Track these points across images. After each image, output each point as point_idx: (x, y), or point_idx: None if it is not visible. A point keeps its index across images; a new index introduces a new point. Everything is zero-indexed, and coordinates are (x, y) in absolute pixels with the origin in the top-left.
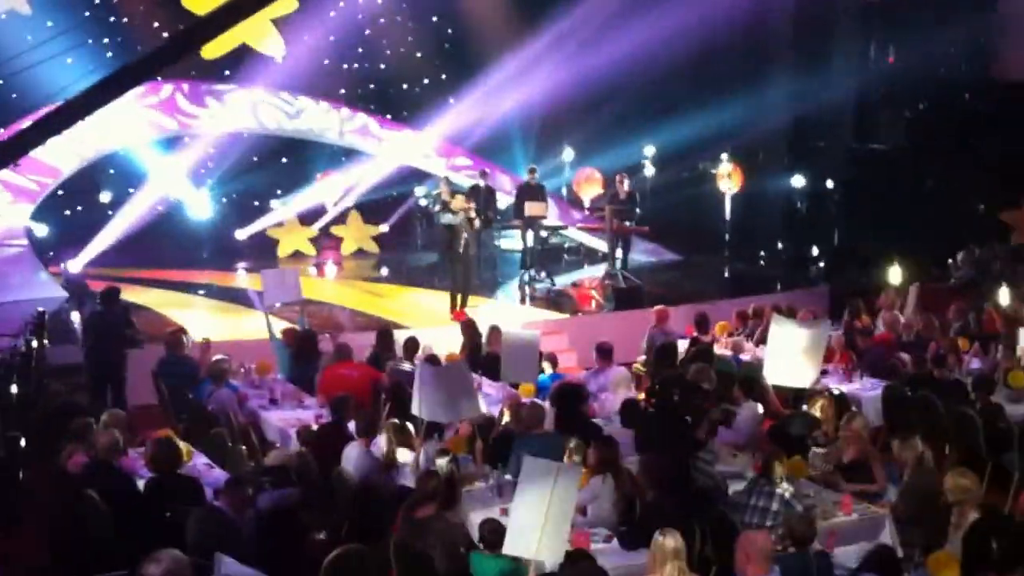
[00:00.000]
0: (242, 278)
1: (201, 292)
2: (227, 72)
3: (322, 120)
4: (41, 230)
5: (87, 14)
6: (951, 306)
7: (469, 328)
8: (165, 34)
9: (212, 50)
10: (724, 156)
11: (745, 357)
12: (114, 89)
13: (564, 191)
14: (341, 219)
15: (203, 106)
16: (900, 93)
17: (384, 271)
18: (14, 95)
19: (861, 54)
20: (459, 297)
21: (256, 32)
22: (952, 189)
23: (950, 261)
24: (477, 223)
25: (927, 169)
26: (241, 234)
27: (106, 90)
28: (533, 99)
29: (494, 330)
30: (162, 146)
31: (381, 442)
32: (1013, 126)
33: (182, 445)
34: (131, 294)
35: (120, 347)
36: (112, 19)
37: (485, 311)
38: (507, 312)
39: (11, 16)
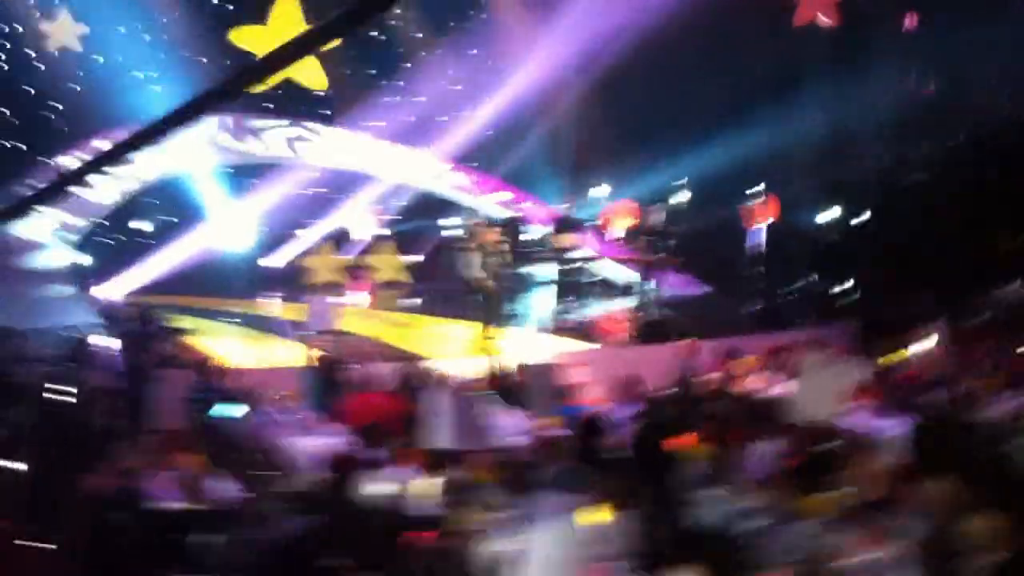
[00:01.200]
0: (274, 306)
1: (234, 320)
2: (270, 105)
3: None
4: (83, 258)
5: (147, 39)
6: (982, 343)
7: (494, 360)
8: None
9: (260, 86)
10: (759, 188)
11: (773, 393)
12: (178, 122)
13: (597, 222)
14: (374, 249)
15: (244, 139)
16: (938, 125)
17: (415, 301)
18: (66, 128)
19: (900, 83)
20: (487, 327)
21: (300, 66)
22: (988, 225)
23: (982, 298)
24: (507, 258)
25: (963, 203)
26: (273, 261)
27: (172, 122)
28: (568, 130)
29: (520, 360)
30: (207, 177)
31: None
32: None
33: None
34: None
35: (149, 369)
36: (162, 55)
37: (515, 341)
38: (537, 342)
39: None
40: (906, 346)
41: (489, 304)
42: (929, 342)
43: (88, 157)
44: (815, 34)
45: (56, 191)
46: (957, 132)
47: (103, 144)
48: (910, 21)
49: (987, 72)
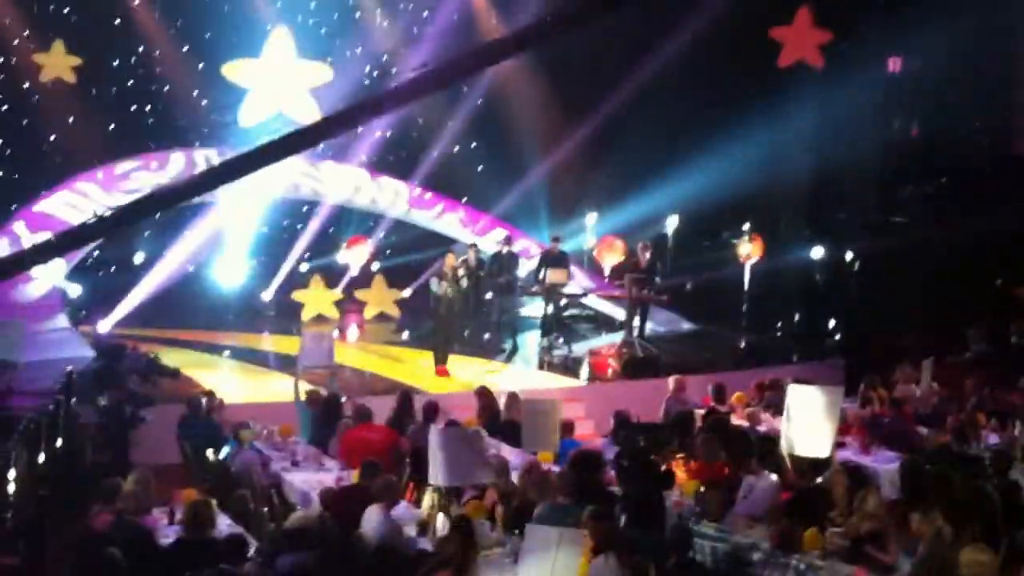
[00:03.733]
0: (265, 340)
1: (226, 353)
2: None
3: (351, 185)
4: (74, 290)
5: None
6: (967, 380)
7: (485, 396)
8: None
9: (247, 119)
10: (746, 226)
11: (762, 428)
12: (219, 179)
13: (585, 258)
14: (365, 283)
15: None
16: (922, 166)
17: (405, 335)
18: (58, 159)
19: (884, 126)
20: (439, 355)
21: (292, 101)
22: (971, 263)
23: (968, 334)
24: (464, 283)
25: (946, 243)
26: (266, 295)
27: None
28: (556, 163)
29: (513, 396)
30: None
31: (423, 504)
32: None
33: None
34: (158, 347)
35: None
36: (153, 87)
37: (504, 377)
38: (525, 378)
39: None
40: (893, 383)
41: (440, 331)
42: (916, 379)
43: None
44: (801, 74)
45: (56, 249)
46: (940, 173)
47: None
48: (894, 64)
49: (968, 112)
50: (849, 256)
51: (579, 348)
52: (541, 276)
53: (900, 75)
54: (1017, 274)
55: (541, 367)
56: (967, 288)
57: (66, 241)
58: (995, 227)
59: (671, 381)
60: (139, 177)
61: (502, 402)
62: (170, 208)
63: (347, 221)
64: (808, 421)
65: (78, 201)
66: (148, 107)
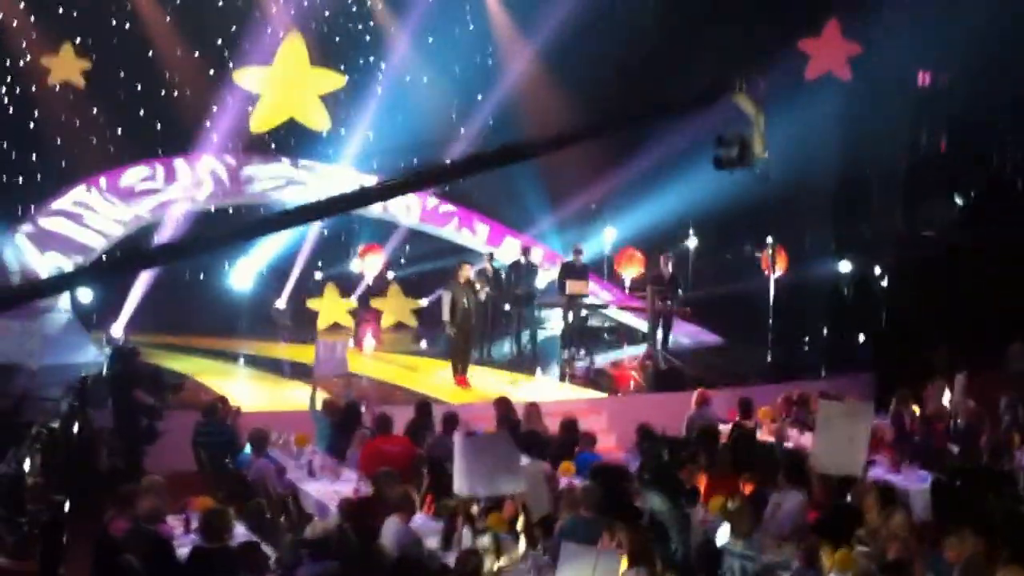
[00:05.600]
0: (281, 348)
1: (240, 360)
2: (272, 145)
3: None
4: (85, 295)
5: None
6: (1001, 397)
7: (503, 406)
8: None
9: (259, 125)
10: (769, 239)
11: (789, 444)
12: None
13: (605, 269)
14: (381, 291)
15: (242, 179)
16: (951, 179)
17: (423, 345)
18: (64, 164)
19: (912, 140)
20: (458, 365)
21: (303, 108)
22: (1003, 279)
23: (1009, 349)
24: (483, 295)
25: (977, 257)
26: (279, 303)
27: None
28: (576, 176)
29: (532, 407)
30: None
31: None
32: None
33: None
34: (170, 360)
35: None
36: (163, 92)
37: (525, 388)
38: (546, 389)
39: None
40: (925, 398)
41: (459, 340)
42: (947, 394)
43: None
44: (829, 86)
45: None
46: (969, 186)
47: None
48: (923, 78)
49: (998, 125)
50: (877, 270)
51: (601, 360)
52: (561, 287)
53: (929, 88)
54: None
55: (562, 379)
56: (1001, 302)
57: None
58: None
59: (695, 395)
60: (145, 184)
61: (521, 412)
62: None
63: (360, 229)
64: (838, 438)
65: (87, 199)
66: (157, 113)
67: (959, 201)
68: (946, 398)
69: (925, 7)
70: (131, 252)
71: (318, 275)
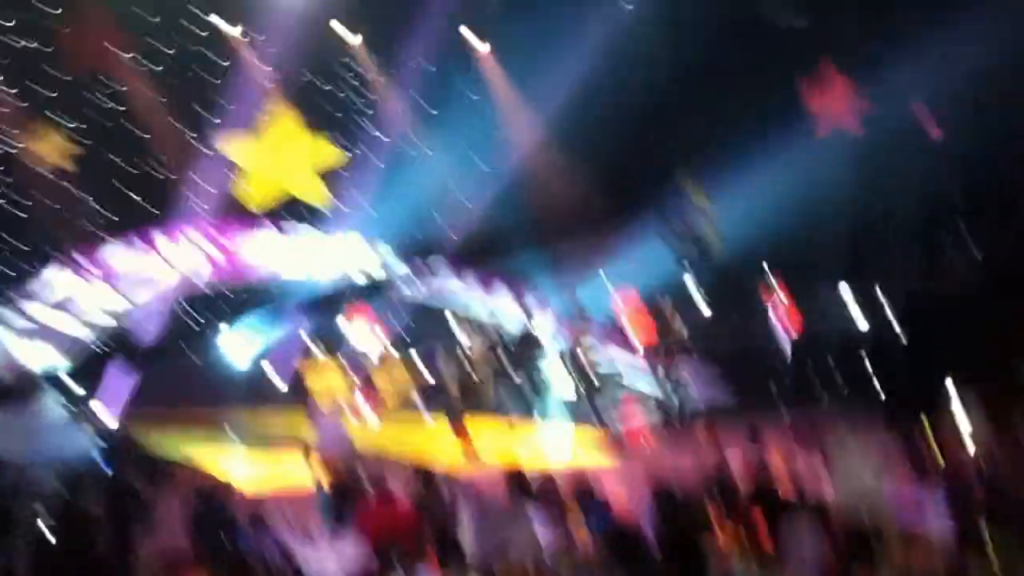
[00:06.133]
0: (276, 416)
1: (233, 432)
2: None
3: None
4: (76, 386)
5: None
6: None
7: (515, 475)
8: None
9: (253, 201)
10: (779, 291)
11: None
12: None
13: (610, 323)
14: (379, 361)
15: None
16: (969, 231)
17: (426, 412)
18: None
19: (926, 190)
20: (456, 416)
21: (302, 184)
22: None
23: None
24: (488, 366)
25: (1000, 311)
26: (277, 375)
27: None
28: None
29: (548, 479)
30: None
31: None
32: None
33: None
34: (161, 435)
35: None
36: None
37: (535, 445)
38: (558, 446)
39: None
40: (938, 423)
41: (465, 403)
42: (963, 418)
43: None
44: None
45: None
46: (988, 237)
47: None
48: (932, 126)
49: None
50: (894, 326)
51: (609, 412)
52: (562, 339)
53: (940, 137)
54: None
55: (570, 432)
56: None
57: None
58: None
59: (701, 425)
60: (126, 259)
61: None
62: None
63: (347, 289)
64: (853, 470)
65: (72, 284)
66: (143, 189)
67: (979, 253)
68: (963, 421)
69: (929, 54)
70: (122, 349)
71: (312, 342)
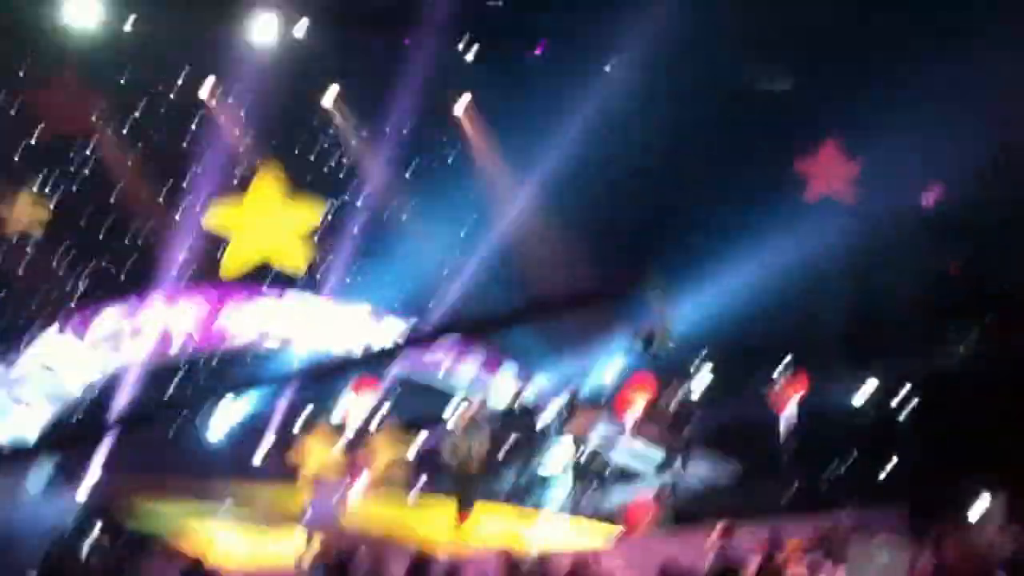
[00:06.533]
0: (267, 492)
1: (222, 506)
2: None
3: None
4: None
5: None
6: None
7: (507, 561)
8: None
9: (231, 269)
10: (783, 367)
11: None
12: None
13: (608, 402)
14: (370, 434)
15: (218, 323)
16: (971, 299)
17: (417, 490)
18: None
19: (925, 259)
20: (461, 504)
21: (284, 250)
22: None
23: None
24: (479, 443)
25: (1004, 380)
26: (264, 448)
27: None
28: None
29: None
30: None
31: None
32: None
33: None
34: (144, 509)
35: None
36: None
37: (535, 530)
38: (558, 529)
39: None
40: (962, 528)
41: (465, 485)
42: (986, 522)
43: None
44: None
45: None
46: (991, 305)
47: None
48: (927, 199)
49: (1011, 244)
50: (898, 398)
51: (612, 496)
52: (563, 425)
53: (936, 208)
54: None
55: (574, 520)
56: None
57: None
58: None
59: (718, 529)
60: (107, 327)
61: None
62: None
63: (347, 361)
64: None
65: (51, 353)
66: (122, 256)
67: (981, 322)
68: (987, 525)
69: (925, 123)
70: (105, 417)
71: (302, 418)
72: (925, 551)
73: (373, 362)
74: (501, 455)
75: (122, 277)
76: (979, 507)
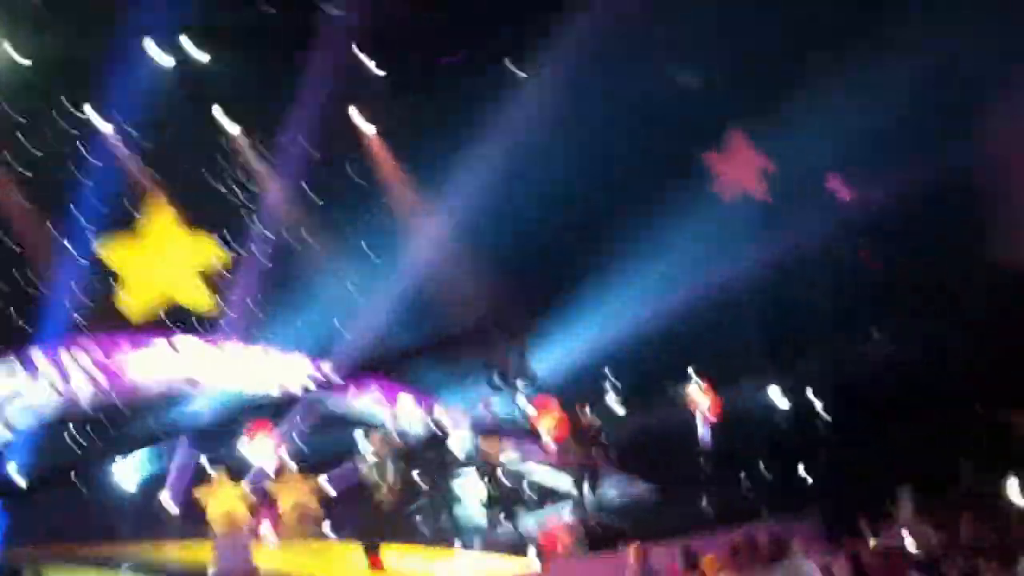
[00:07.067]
0: (171, 548)
1: (125, 567)
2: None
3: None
4: None
5: None
6: (962, 519)
7: None
8: None
9: (136, 311)
10: (693, 376)
11: None
12: None
13: (521, 423)
14: (276, 474)
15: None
16: (888, 295)
17: (328, 527)
18: None
19: (841, 255)
20: (369, 546)
21: (185, 288)
22: (948, 393)
23: (961, 466)
24: (390, 471)
25: (921, 375)
26: (164, 496)
27: None
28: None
29: None
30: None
31: None
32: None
33: None
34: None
35: None
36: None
37: (447, 565)
38: (469, 564)
39: None
40: (878, 531)
41: (377, 524)
42: (903, 524)
43: None
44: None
45: None
46: (908, 300)
47: None
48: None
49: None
50: (814, 401)
51: (527, 523)
52: (473, 448)
53: (852, 202)
54: (1001, 399)
55: (487, 549)
56: (952, 418)
57: None
58: (972, 351)
59: (631, 551)
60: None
61: None
62: None
63: (246, 405)
64: None
65: None
66: (14, 302)
67: (898, 318)
68: (903, 527)
69: (836, 116)
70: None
71: (205, 461)
72: (841, 554)
73: (276, 405)
74: (412, 490)
75: (18, 329)
76: (894, 507)
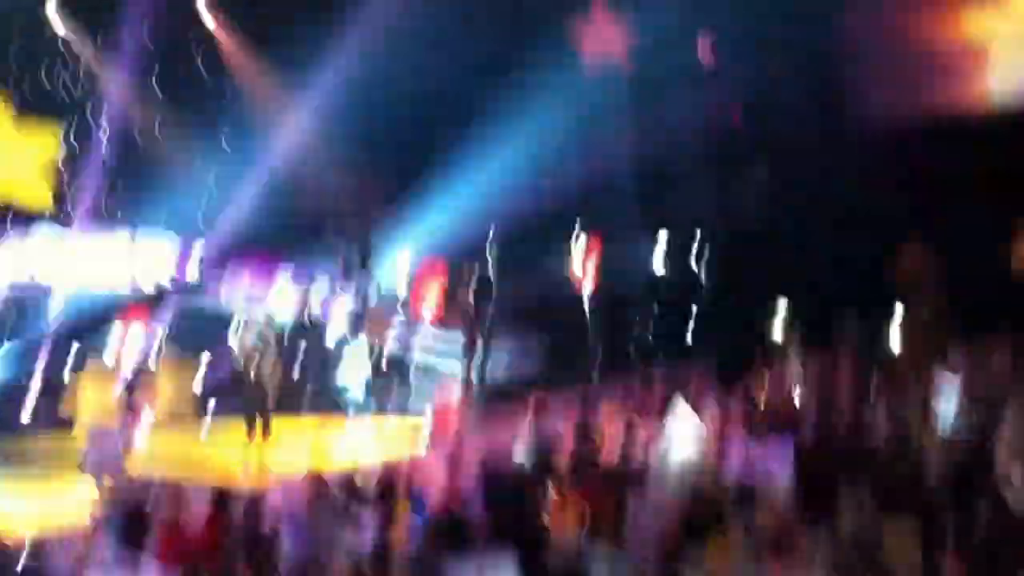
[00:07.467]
0: (49, 444)
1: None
2: None
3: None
4: None
5: None
6: (845, 365)
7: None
8: None
9: None
10: (578, 230)
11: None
12: None
13: (403, 298)
14: (148, 367)
15: None
16: (750, 146)
17: (211, 414)
18: None
19: (705, 119)
20: (256, 424)
21: (23, 184)
22: (831, 241)
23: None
24: (267, 362)
25: (799, 223)
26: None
27: None
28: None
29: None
30: None
31: None
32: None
33: None
34: None
35: None
36: None
37: (339, 442)
38: (365, 441)
39: None
40: (767, 374)
41: (260, 405)
42: (790, 368)
43: None
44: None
45: None
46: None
47: None
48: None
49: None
50: (694, 243)
51: (420, 394)
52: (357, 330)
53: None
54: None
55: (379, 422)
56: (833, 269)
57: None
58: (843, 201)
59: (530, 403)
60: None
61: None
62: None
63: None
64: (686, 432)
65: None
66: None
67: (764, 169)
68: (791, 371)
69: None
70: None
71: (75, 350)
72: (737, 396)
73: (142, 296)
74: (295, 369)
75: None
76: (784, 350)
